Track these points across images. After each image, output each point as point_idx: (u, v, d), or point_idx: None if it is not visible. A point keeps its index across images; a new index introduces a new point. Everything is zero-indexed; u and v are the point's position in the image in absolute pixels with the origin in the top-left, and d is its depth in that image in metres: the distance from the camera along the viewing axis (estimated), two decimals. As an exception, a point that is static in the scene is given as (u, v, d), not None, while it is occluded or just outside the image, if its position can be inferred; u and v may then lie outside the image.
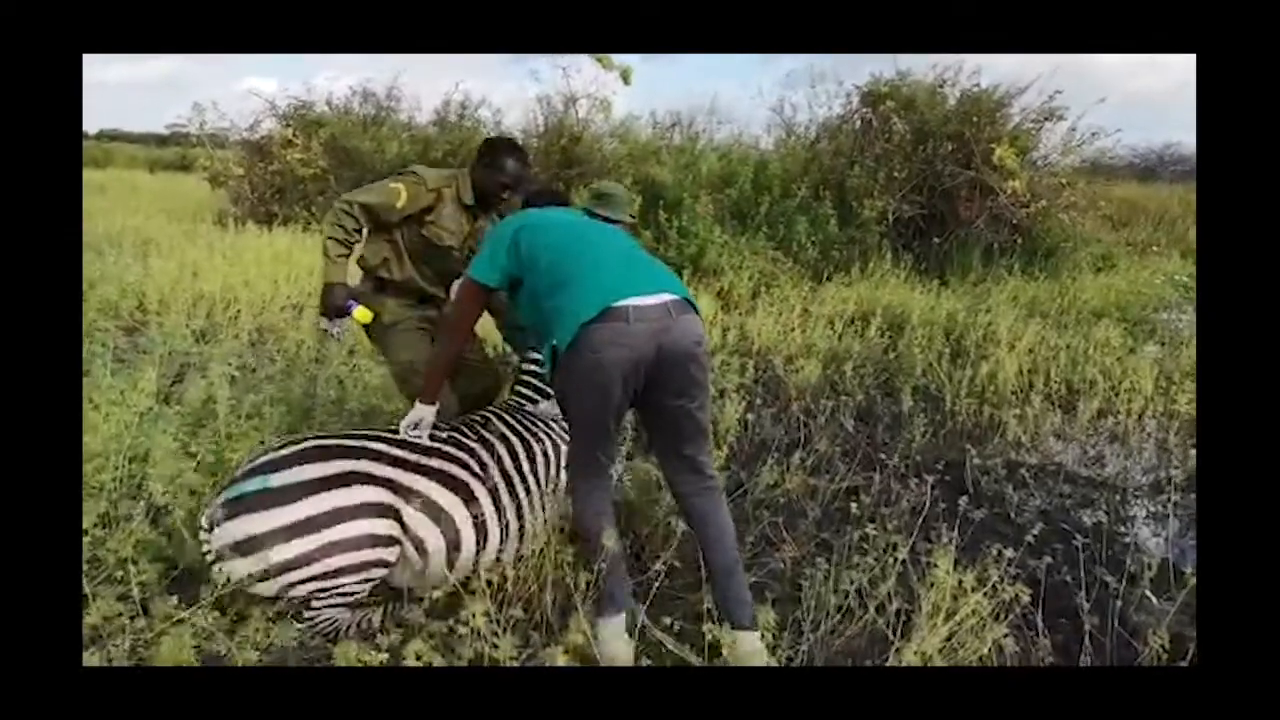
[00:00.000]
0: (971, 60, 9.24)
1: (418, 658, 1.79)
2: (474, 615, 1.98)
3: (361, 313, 2.77)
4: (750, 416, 3.91)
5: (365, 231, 2.78)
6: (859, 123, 9.27)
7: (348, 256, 2.74)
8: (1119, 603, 2.40)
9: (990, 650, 2.05)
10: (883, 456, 3.58)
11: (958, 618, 2.04)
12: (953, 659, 2.03)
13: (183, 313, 5.40)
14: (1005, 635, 2.06)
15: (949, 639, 2.05)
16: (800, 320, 5.95)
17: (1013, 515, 3.21)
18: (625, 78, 9.30)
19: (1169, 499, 3.43)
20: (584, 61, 9.57)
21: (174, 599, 2.03)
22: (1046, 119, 8.94)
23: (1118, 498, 3.52)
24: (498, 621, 2.10)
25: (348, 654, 1.82)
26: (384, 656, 1.83)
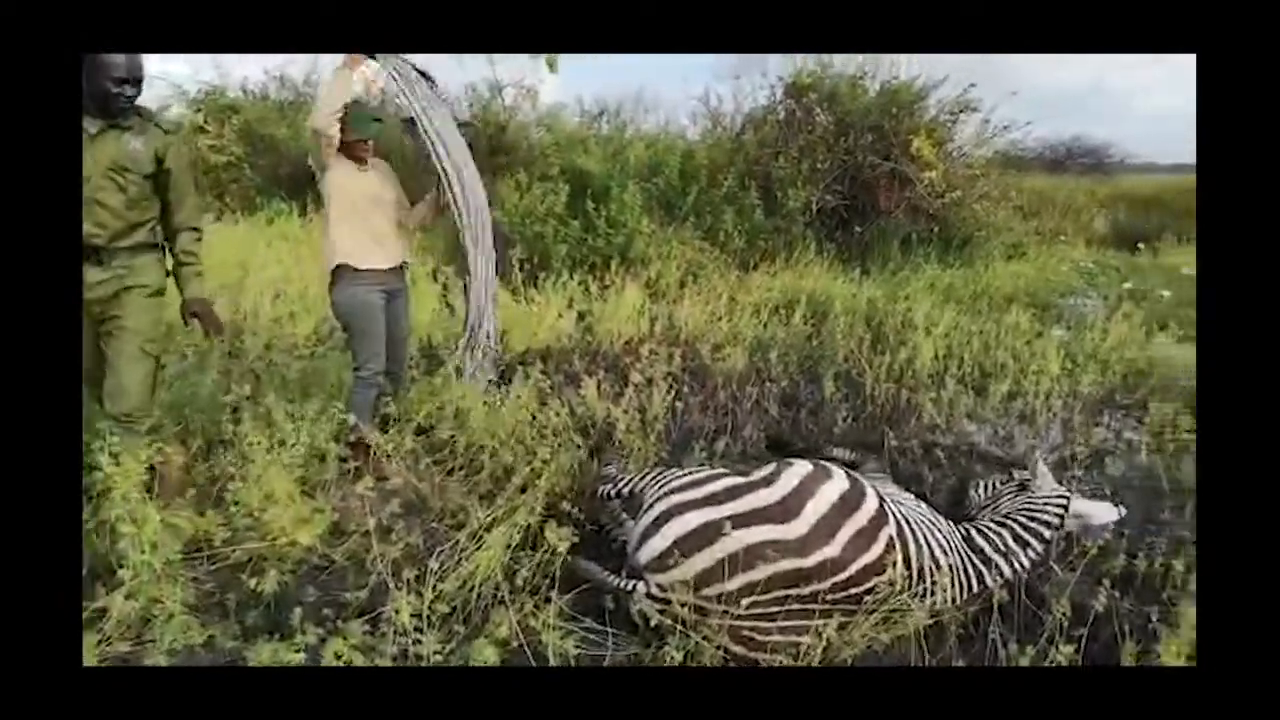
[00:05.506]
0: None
1: (337, 657, 1.75)
2: (397, 611, 1.95)
3: None
4: (678, 404, 3.94)
5: None
6: (783, 114, 9.40)
7: None
8: (1025, 576, 2.52)
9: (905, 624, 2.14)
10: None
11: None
12: (870, 635, 2.10)
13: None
14: (924, 608, 2.14)
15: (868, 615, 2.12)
16: (727, 309, 6.02)
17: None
18: (551, 65, 9.16)
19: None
20: (510, 48, 9.40)
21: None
22: (962, 111, 9.24)
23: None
24: (423, 617, 2.07)
25: (260, 655, 1.76)
26: (301, 657, 1.78)
